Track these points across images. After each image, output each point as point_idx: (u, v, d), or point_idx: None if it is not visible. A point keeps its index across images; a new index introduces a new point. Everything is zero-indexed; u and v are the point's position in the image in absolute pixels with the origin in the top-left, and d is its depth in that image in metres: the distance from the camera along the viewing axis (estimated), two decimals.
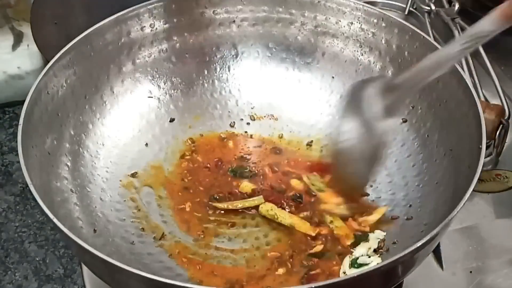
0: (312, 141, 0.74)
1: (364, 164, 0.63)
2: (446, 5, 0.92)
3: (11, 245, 1.26)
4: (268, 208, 0.66)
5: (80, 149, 0.69)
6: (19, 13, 1.34)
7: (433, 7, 0.92)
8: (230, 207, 0.67)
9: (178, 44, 0.77)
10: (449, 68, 0.59)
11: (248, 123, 0.77)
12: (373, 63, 0.75)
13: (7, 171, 1.37)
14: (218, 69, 0.79)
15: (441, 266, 0.69)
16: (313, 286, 0.49)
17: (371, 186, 0.69)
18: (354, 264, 0.62)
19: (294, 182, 0.69)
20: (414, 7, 0.99)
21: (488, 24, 0.55)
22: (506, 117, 0.73)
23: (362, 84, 0.65)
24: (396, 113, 0.61)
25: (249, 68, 0.79)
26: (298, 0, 0.77)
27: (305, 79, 0.78)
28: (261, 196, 0.67)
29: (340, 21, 0.76)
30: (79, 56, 0.69)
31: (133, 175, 0.70)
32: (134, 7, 0.73)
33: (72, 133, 0.68)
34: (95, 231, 0.63)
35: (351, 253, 0.63)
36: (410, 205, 0.66)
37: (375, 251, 0.63)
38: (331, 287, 0.48)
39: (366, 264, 0.61)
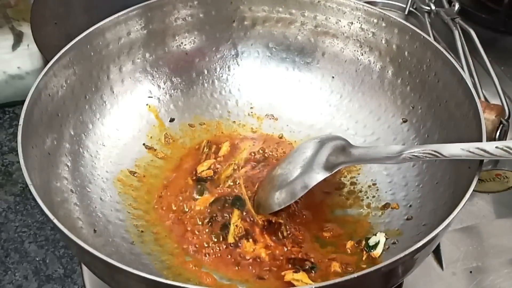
0: None
1: (275, 193, 0.64)
2: (446, 5, 0.92)
3: (11, 245, 1.26)
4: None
5: (80, 149, 0.69)
6: (19, 13, 1.34)
7: (433, 7, 0.92)
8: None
9: (178, 44, 0.77)
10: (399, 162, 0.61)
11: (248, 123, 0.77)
12: (373, 63, 0.75)
13: (7, 171, 1.37)
14: (218, 69, 0.79)
15: (441, 266, 0.69)
16: (313, 287, 0.49)
17: (374, 184, 0.69)
18: (368, 248, 0.63)
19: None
20: (414, 7, 0.99)
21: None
22: (506, 117, 0.73)
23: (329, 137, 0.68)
24: (332, 172, 0.63)
25: (249, 68, 0.79)
26: (298, 0, 0.77)
27: (305, 79, 0.78)
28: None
29: (340, 21, 0.76)
30: (79, 56, 0.69)
31: (133, 175, 0.71)
32: (134, 7, 0.73)
33: (72, 133, 0.68)
34: (95, 231, 0.63)
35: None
36: (410, 205, 0.66)
37: None
38: (331, 287, 0.48)
39: (378, 243, 0.62)
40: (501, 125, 0.72)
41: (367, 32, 0.75)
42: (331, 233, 0.65)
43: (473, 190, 0.54)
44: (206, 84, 0.79)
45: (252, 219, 0.66)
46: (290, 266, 0.62)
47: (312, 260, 0.63)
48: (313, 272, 0.62)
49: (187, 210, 0.68)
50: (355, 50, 0.76)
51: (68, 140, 0.68)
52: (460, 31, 0.85)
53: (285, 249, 0.64)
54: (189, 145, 0.75)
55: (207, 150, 0.73)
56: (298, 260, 0.63)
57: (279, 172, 0.65)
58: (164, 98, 0.77)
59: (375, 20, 0.74)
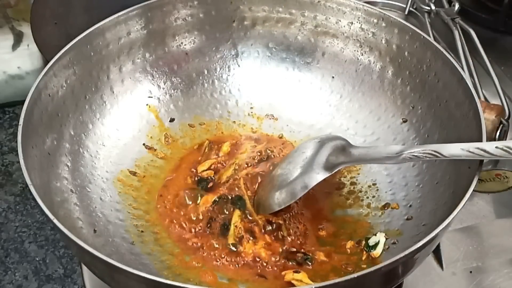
0: None
1: (275, 194, 0.64)
2: (446, 5, 0.93)
3: (11, 245, 1.26)
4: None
5: (80, 149, 0.69)
6: (19, 13, 1.34)
7: (433, 7, 0.92)
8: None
9: (178, 44, 0.77)
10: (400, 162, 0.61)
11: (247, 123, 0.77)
12: (373, 63, 0.75)
13: (7, 171, 1.37)
14: (218, 69, 0.79)
15: (441, 266, 0.69)
16: (313, 287, 0.49)
17: (374, 184, 0.69)
18: (367, 248, 0.63)
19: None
20: (414, 7, 0.99)
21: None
22: (506, 117, 0.73)
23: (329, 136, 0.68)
24: (332, 172, 0.63)
25: (249, 68, 0.79)
26: (298, 0, 0.77)
27: (305, 79, 0.78)
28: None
29: (340, 21, 0.76)
30: (79, 56, 0.69)
31: (133, 175, 0.70)
32: (134, 7, 0.73)
33: (72, 133, 0.68)
34: (95, 231, 0.63)
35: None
36: (410, 205, 0.66)
37: None
38: (331, 287, 0.48)
39: (378, 243, 0.62)
40: (501, 125, 0.72)
41: (367, 32, 0.75)
42: (326, 231, 0.66)
43: (473, 190, 0.54)
44: (206, 84, 0.79)
45: (252, 219, 0.66)
46: (284, 261, 0.62)
47: (303, 250, 0.63)
48: (308, 262, 0.62)
49: (187, 210, 0.67)
50: (355, 50, 0.76)
51: (68, 140, 0.68)
52: (460, 31, 0.85)
53: (285, 249, 0.64)
54: (189, 145, 0.75)
55: (208, 150, 0.73)
56: (290, 253, 0.63)
57: (279, 172, 0.65)
58: (164, 98, 0.77)
59: (375, 20, 0.74)
